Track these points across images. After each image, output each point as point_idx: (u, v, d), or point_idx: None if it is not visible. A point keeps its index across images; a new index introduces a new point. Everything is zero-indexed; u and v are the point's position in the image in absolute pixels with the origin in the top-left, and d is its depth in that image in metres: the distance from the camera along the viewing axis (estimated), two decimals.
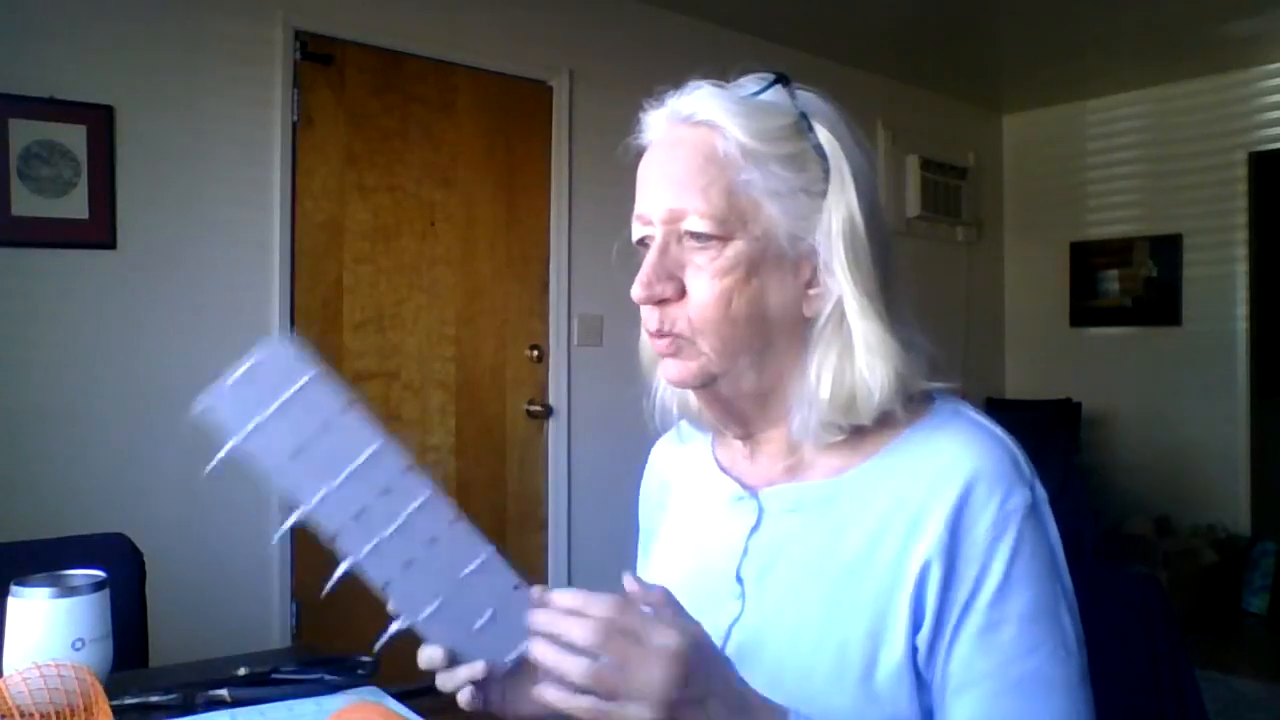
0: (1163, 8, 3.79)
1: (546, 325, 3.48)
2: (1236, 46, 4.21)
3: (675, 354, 0.77)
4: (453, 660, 0.72)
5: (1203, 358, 4.63)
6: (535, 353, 3.45)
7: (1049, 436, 4.32)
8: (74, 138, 2.52)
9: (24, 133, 2.46)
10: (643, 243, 0.79)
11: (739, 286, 0.74)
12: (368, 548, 0.70)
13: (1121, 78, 4.72)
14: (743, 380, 0.78)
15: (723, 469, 0.87)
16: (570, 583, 3.47)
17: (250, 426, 0.69)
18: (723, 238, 0.74)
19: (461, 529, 0.72)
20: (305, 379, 0.70)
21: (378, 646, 0.71)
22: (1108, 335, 5.03)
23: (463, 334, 3.29)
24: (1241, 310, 4.52)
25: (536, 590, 0.72)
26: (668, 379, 0.80)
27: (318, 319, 2.98)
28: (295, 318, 2.92)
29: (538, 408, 3.45)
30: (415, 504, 0.71)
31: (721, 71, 0.81)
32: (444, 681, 0.72)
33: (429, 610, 0.70)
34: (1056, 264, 5.18)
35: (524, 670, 0.72)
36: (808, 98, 0.79)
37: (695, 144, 0.75)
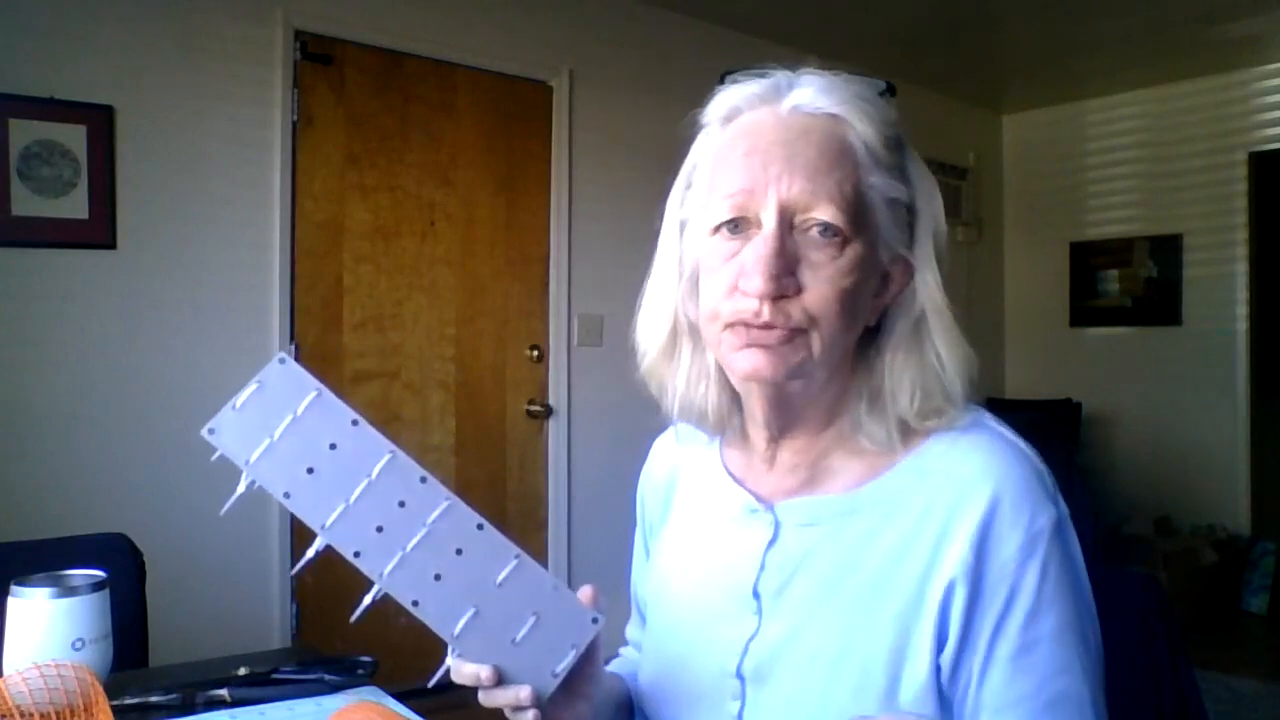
0: (1163, 8, 3.78)
1: (546, 325, 3.48)
2: (1236, 46, 4.21)
3: (778, 345, 0.71)
4: (500, 679, 0.69)
5: (1203, 358, 4.63)
6: (535, 353, 3.45)
7: (1049, 436, 4.32)
8: (74, 138, 2.52)
9: (24, 133, 2.46)
10: (733, 225, 0.73)
11: (856, 289, 0.72)
12: (391, 564, 0.68)
13: (1121, 78, 4.72)
14: (819, 379, 0.75)
15: (734, 478, 0.84)
16: (570, 583, 3.47)
17: (261, 449, 0.68)
18: (847, 236, 0.71)
19: (488, 535, 0.70)
20: (311, 396, 0.69)
21: (354, 616, 0.69)
22: (1108, 335, 5.02)
23: (463, 334, 3.29)
24: (1241, 310, 4.52)
25: (587, 589, 0.71)
26: (753, 370, 0.72)
27: (318, 319, 2.98)
28: (295, 318, 2.92)
29: (538, 408, 3.45)
30: (435, 513, 0.69)
31: (720, 71, 0.81)
32: (484, 699, 0.70)
33: (463, 622, 0.68)
34: (1056, 264, 5.18)
35: (562, 696, 0.70)
36: None
37: (826, 134, 0.72)
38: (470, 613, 0.68)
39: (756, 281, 0.69)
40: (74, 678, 0.89)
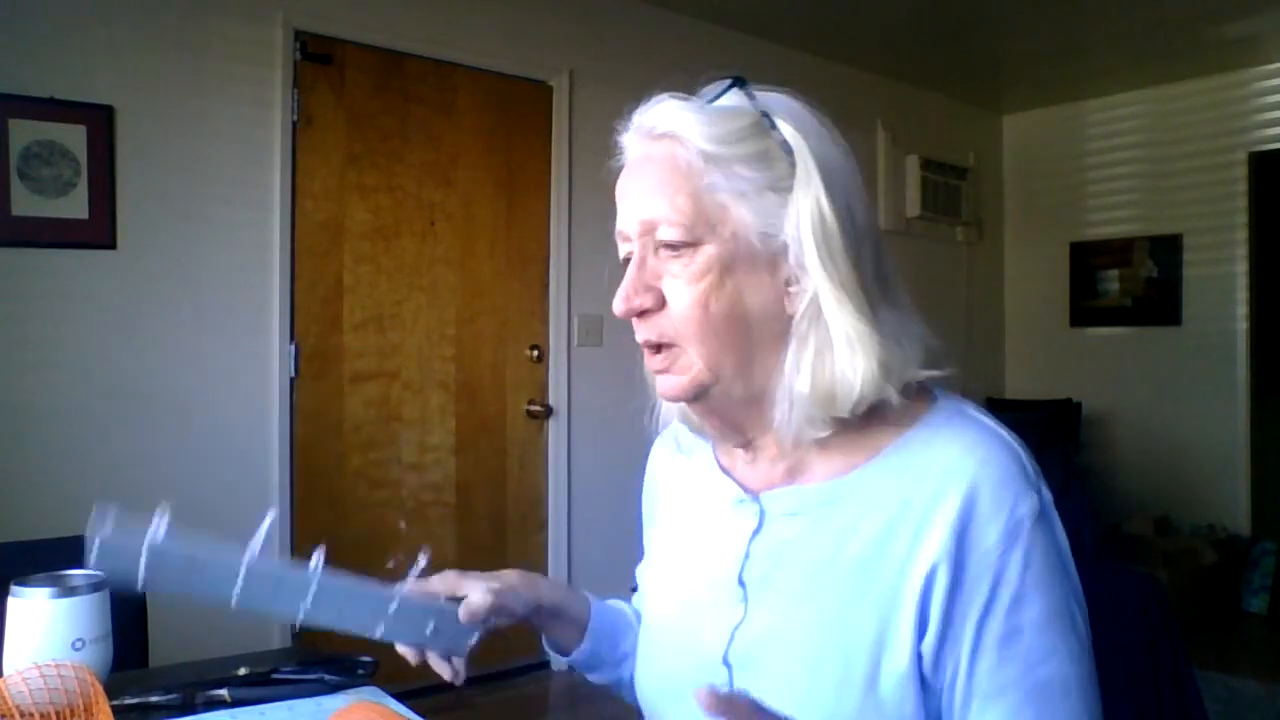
0: (1163, 8, 3.79)
1: (546, 325, 3.48)
2: (1236, 46, 4.21)
3: (668, 368, 0.78)
4: (421, 655, 0.87)
5: (1203, 358, 4.63)
6: (535, 353, 3.45)
7: (1049, 436, 4.32)
8: (74, 138, 2.52)
9: (24, 133, 2.46)
10: (628, 260, 0.81)
11: (714, 289, 0.75)
12: (305, 606, 0.84)
13: (1121, 78, 4.72)
14: (733, 387, 0.77)
15: (724, 471, 0.87)
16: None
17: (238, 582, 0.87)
18: (693, 244, 0.75)
19: (367, 585, 0.85)
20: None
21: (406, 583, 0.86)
22: (1108, 335, 5.02)
23: (463, 334, 3.29)
24: (1241, 310, 4.52)
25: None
26: (663, 395, 0.81)
27: (318, 319, 2.98)
28: (295, 318, 2.92)
29: (538, 408, 3.45)
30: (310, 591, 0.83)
31: (720, 71, 0.81)
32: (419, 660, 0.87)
33: (380, 629, 0.85)
34: (1056, 264, 5.18)
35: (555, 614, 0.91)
36: (769, 96, 0.79)
37: (660, 157, 0.77)
38: (383, 626, 0.85)
39: (616, 303, 0.80)
40: (74, 678, 0.89)
